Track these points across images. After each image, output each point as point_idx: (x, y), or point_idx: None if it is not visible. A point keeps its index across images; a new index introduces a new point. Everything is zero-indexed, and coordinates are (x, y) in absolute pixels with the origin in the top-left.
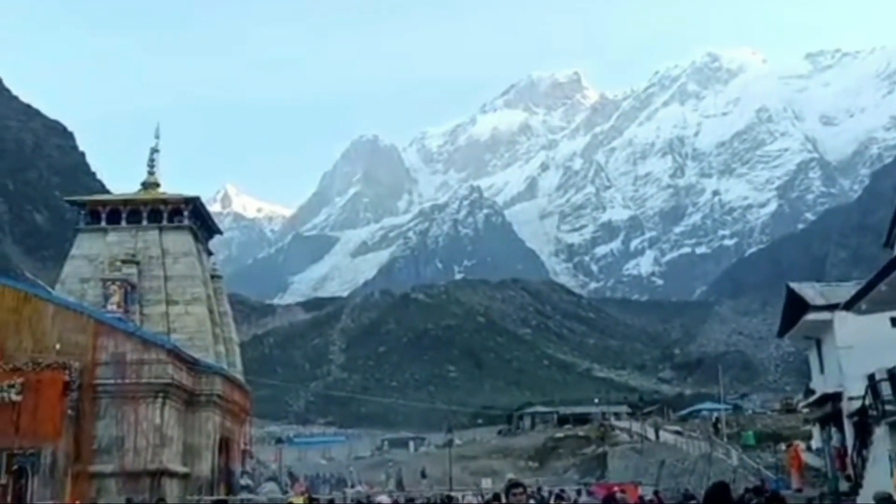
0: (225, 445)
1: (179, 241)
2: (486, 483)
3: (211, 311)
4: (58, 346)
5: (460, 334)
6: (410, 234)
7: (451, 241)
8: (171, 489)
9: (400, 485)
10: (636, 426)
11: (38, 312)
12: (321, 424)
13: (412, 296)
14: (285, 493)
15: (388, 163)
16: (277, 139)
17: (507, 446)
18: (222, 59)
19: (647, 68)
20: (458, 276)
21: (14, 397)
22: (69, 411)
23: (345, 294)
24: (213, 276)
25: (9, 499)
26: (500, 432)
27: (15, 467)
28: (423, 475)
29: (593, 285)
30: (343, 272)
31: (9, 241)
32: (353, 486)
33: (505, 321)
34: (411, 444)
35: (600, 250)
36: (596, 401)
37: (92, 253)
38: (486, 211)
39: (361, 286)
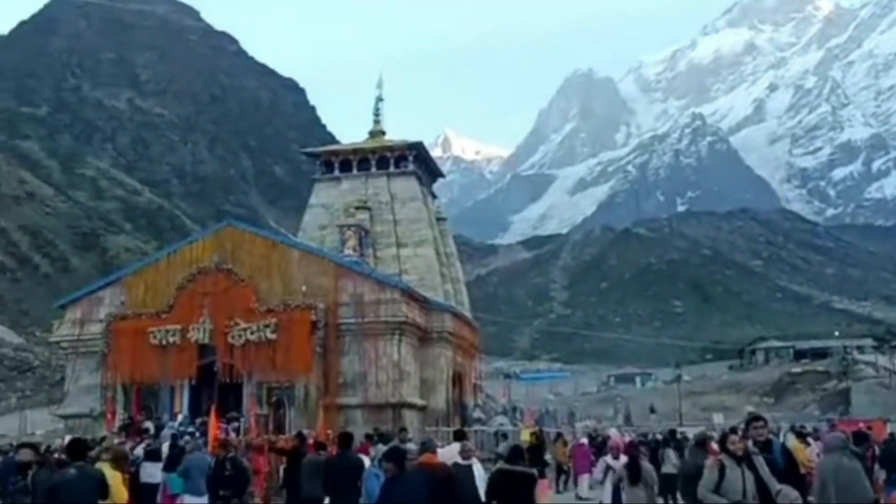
0: (457, 380)
1: (406, 186)
2: (718, 418)
3: (438, 253)
4: (304, 289)
5: (685, 268)
6: (629, 167)
7: (673, 173)
8: (411, 420)
9: (628, 420)
10: (883, 360)
11: (286, 258)
12: (546, 360)
13: (633, 230)
14: (515, 426)
15: (604, 95)
16: (493, 81)
17: (738, 382)
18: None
19: None
20: (681, 209)
21: (269, 336)
22: (317, 349)
23: (564, 231)
24: (438, 219)
25: (270, 426)
26: (730, 367)
27: (274, 399)
28: (652, 410)
29: (830, 212)
30: (562, 210)
31: (254, 193)
32: (580, 421)
33: (733, 253)
34: (638, 379)
35: (838, 173)
36: (836, 334)
37: (328, 201)
38: (709, 139)
39: (581, 223)
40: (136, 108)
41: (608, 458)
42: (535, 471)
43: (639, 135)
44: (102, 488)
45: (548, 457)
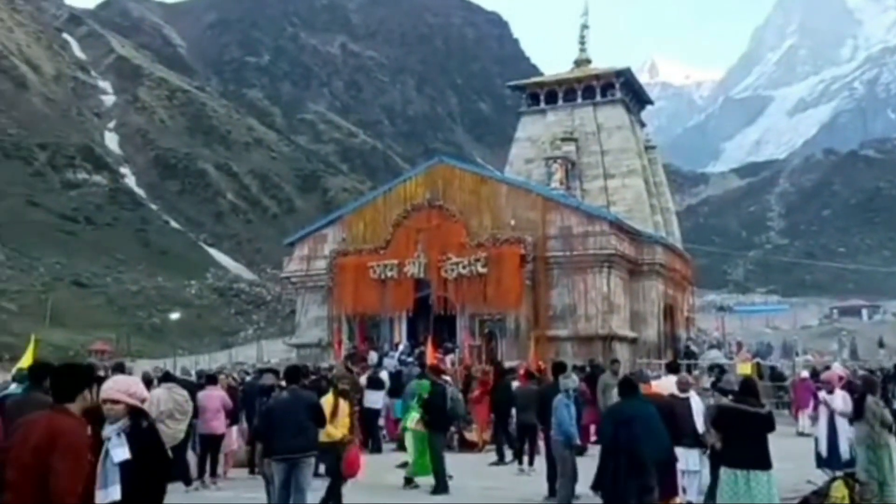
0: (669, 313)
1: (613, 115)
2: None
3: (647, 183)
4: (512, 223)
5: None
6: (856, 84)
7: None
8: (621, 352)
9: (853, 354)
10: None
11: (494, 193)
12: (762, 293)
13: (860, 153)
14: (730, 359)
15: (828, 7)
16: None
17: None
18: None
19: None
20: None
21: (480, 270)
22: (526, 281)
23: (782, 156)
24: (646, 148)
25: (483, 357)
26: None
27: (486, 331)
28: (881, 345)
29: None
30: (779, 133)
31: (460, 131)
32: (799, 355)
33: None
34: (864, 312)
35: None
36: None
37: (534, 134)
38: None
39: (800, 147)
40: (349, 52)
41: (823, 394)
42: (769, 410)
43: (867, 48)
44: (314, 412)
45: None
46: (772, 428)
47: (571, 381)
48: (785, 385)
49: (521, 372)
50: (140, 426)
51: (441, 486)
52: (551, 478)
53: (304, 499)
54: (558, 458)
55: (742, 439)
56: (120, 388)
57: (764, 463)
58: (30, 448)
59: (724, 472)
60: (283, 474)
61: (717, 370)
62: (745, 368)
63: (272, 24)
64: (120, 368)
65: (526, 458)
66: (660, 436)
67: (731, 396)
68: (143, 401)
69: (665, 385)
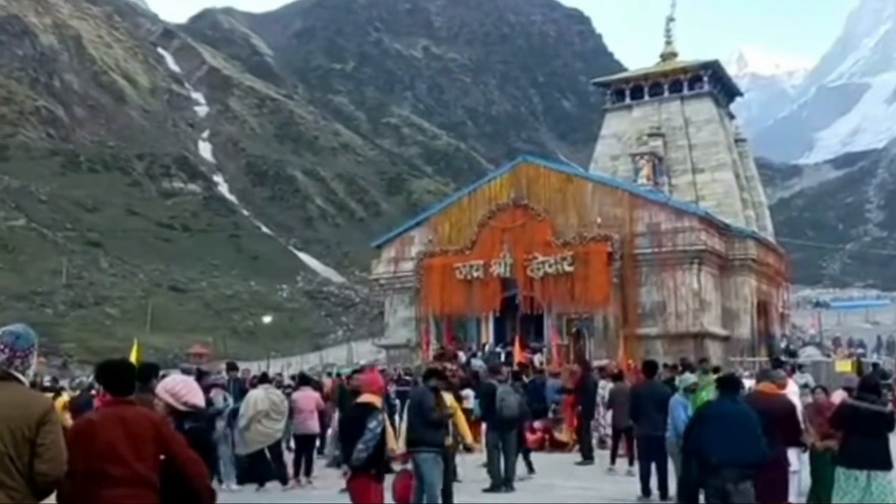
0: (763, 309)
1: (701, 109)
2: None
3: (737, 176)
4: (599, 221)
5: None
6: None
7: None
8: (714, 350)
9: None
10: None
11: (580, 191)
12: (860, 287)
13: None
14: (828, 357)
15: None
16: None
17: None
18: None
19: None
20: None
21: (567, 268)
22: (614, 279)
23: (880, 146)
24: (736, 141)
25: (571, 356)
26: None
27: (574, 330)
28: None
29: None
30: (877, 122)
31: (544, 129)
32: None
33: None
34: None
35: None
36: None
37: (619, 130)
38: None
39: None
40: (431, 55)
41: None
42: (891, 411)
43: None
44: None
45: None
46: (893, 427)
47: (689, 378)
48: (889, 382)
49: (614, 371)
50: (181, 427)
51: (494, 485)
52: (644, 477)
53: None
54: (673, 458)
55: (863, 438)
56: (166, 386)
57: (886, 463)
58: (147, 440)
59: (842, 472)
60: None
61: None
62: (844, 366)
63: (356, 30)
64: (232, 367)
65: (621, 460)
66: (743, 437)
67: (853, 393)
68: (187, 404)
69: (791, 390)
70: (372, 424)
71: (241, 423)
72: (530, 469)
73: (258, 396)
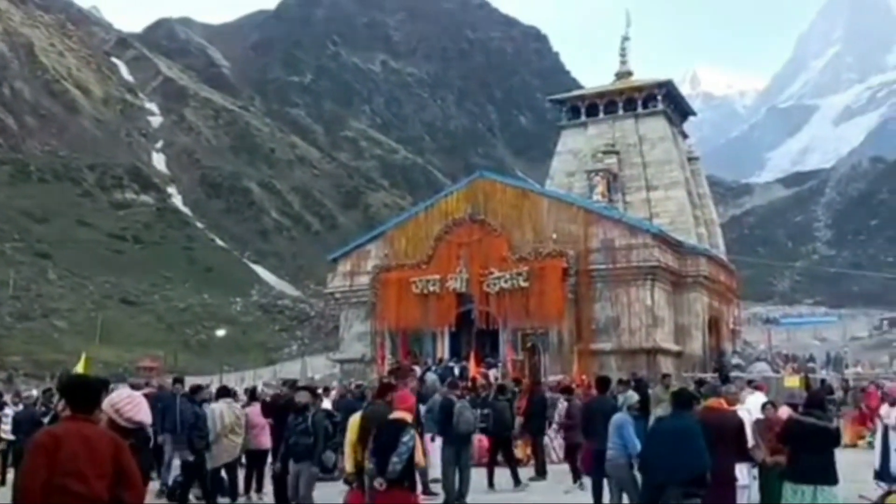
0: (714, 326)
1: (655, 127)
2: None
3: (690, 194)
4: (554, 236)
5: None
6: None
7: None
8: (666, 366)
9: None
10: None
11: (536, 206)
12: (809, 304)
13: None
14: (777, 372)
15: (873, 13)
16: (745, 7)
17: None
18: None
19: None
20: None
21: (522, 284)
22: (569, 295)
23: (828, 165)
24: (689, 159)
25: (526, 371)
26: None
27: (529, 345)
28: None
29: None
30: (825, 142)
31: (501, 145)
32: (849, 368)
33: None
34: None
35: None
36: None
37: (575, 147)
38: None
39: (847, 155)
40: (389, 69)
41: (884, 407)
42: (836, 426)
43: None
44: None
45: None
46: (838, 442)
47: (633, 396)
48: (834, 398)
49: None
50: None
51: (448, 500)
52: (597, 493)
53: None
54: (621, 480)
55: (809, 454)
56: (112, 401)
57: (831, 478)
58: (106, 459)
59: (789, 487)
60: None
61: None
62: (792, 382)
63: (314, 42)
64: (179, 381)
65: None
66: (685, 452)
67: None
68: (131, 421)
69: (752, 403)
70: (405, 438)
71: (210, 437)
72: (517, 482)
73: (223, 410)
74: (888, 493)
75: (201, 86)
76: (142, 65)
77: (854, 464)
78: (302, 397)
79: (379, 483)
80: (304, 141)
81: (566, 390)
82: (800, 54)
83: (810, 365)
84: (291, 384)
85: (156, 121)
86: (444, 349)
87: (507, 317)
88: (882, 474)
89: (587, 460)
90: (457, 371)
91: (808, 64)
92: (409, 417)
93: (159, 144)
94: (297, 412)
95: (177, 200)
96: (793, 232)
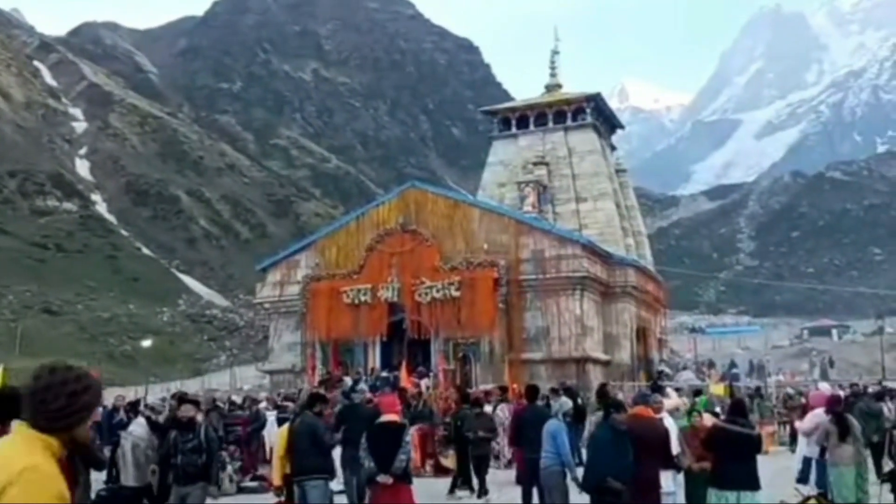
0: (642, 335)
1: (584, 139)
2: None
3: (618, 206)
4: (485, 247)
5: (887, 213)
6: (822, 107)
7: (872, 111)
8: (595, 375)
9: (825, 374)
10: None
11: (467, 217)
12: (733, 314)
13: (827, 175)
14: (703, 381)
15: (793, 31)
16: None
17: None
18: None
19: None
20: (882, 149)
21: (454, 293)
22: (500, 305)
23: (751, 179)
24: (617, 171)
25: (457, 380)
26: None
27: (460, 355)
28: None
29: None
30: (748, 156)
31: (433, 155)
32: (771, 376)
33: None
34: (834, 332)
35: None
36: None
37: (506, 158)
38: None
39: (768, 169)
40: (320, 78)
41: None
42: (758, 433)
43: (832, 72)
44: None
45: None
46: (760, 449)
47: (567, 403)
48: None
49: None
50: None
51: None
52: (526, 502)
53: None
54: (552, 488)
55: (733, 460)
56: None
57: (754, 484)
58: None
59: (713, 493)
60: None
61: (693, 392)
62: (718, 389)
63: (244, 50)
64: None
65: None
66: (608, 458)
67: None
68: None
69: (670, 406)
70: (407, 438)
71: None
72: (482, 489)
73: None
74: (807, 499)
75: (127, 91)
76: (65, 69)
77: (777, 471)
78: (187, 411)
79: (384, 479)
80: (234, 149)
81: (476, 403)
82: (723, 70)
83: (734, 371)
84: (180, 397)
85: (80, 126)
86: (375, 359)
87: (438, 327)
88: (803, 480)
89: (518, 468)
90: (390, 381)
91: (732, 80)
92: (400, 419)
93: (83, 151)
94: (182, 428)
95: (101, 208)
96: (717, 243)
